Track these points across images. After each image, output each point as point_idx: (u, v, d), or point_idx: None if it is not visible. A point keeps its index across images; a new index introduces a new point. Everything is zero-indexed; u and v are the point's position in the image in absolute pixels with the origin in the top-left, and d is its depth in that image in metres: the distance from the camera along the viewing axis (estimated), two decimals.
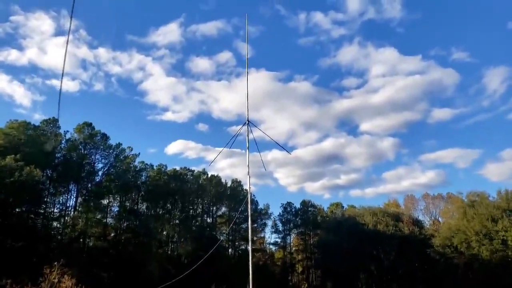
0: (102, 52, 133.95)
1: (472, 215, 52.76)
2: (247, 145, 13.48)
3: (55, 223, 51.28)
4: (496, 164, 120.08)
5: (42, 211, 47.38)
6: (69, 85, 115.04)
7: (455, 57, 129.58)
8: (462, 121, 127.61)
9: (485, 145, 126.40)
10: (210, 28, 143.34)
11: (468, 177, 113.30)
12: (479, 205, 53.89)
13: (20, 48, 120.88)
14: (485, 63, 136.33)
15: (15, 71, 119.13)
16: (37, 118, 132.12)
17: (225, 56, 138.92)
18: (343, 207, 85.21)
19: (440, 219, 70.08)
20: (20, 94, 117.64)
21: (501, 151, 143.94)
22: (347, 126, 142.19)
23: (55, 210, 53.20)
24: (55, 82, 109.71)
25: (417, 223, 67.23)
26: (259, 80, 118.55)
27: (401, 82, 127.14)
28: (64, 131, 55.08)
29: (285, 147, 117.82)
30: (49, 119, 53.77)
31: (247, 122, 13.92)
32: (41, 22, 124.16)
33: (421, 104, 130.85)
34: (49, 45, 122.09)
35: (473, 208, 53.89)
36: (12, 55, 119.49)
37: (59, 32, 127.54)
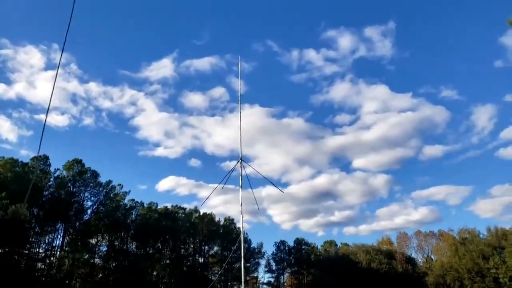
0: (93, 87, 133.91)
1: (464, 253, 52.67)
2: (240, 184, 13.70)
3: (39, 264, 49.63)
4: (486, 201, 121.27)
5: (27, 252, 45.97)
6: (58, 120, 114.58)
7: (444, 95, 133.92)
8: (454, 158, 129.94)
9: (475, 181, 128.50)
10: (203, 63, 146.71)
11: (460, 213, 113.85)
12: (470, 243, 53.98)
13: (8, 82, 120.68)
14: (473, 101, 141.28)
15: (1, 106, 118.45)
16: (23, 153, 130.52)
17: (218, 91, 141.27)
18: (336, 245, 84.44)
19: (432, 256, 69.67)
20: (6, 128, 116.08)
21: (491, 188, 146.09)
22: (340, 162, 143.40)
23: (40, 251, 51.73)
24: (43, 117, 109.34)
25: (410, 261, 66.66)
26: (252, 115, 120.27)
27: (393, 118, 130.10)
28: (55, 169, 54.62)
29: (278, 184, 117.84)
30: (40, 156, 53.38)
31: (240, 160, 14.23)
32: (30, 56, 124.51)
33: (413, 140, 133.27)
34: (38, 79, 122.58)
35: (465, 246, 53.91)
36: None
37: (49, 66, 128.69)
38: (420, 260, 70.32)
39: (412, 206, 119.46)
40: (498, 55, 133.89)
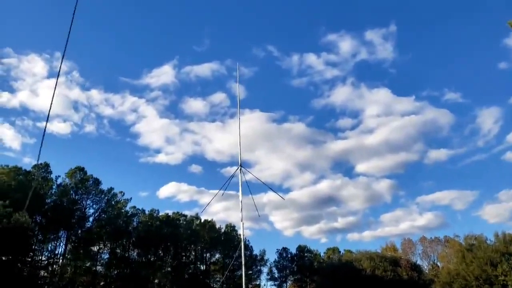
0: (95, 94, 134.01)
1: (471, 259, 51.75)
2: (240, 191, 13.42)
3: (42, 272, 49.41)
4: (493, 205, 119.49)
5: (30, 260, 45.76)
6: (60, 127, 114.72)
7: (447, 98, 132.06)
8: (459, 162, 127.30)
9: (482, 186, 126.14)
10: (204, 69, 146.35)
11: (466, 219, 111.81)
12: (477, 249, 53.05)
13: (12, 91, 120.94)
14: (477, 104, 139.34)
15: (5, 114, 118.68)
16: (26, 161, 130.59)
17: (219, 97, 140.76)
18: (340, 251, 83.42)
19: (438, 263, 68.76)
20: (10, 136, 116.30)
21: (498, 192, 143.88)
22: (343, 167, 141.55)
23: (43, 258, 51.54)
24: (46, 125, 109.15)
25: (416, 268, 65.69)
26: (253, 120, 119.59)
27: (396, 122, 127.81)
28: (56, 176, 54.54)
29: (280, 190, 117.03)
30: (41, 164, 53.37)
31: (239, 167, 13.96)
32: (33, 64, 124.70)
33: (417, 144, 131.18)
34: (41, 87, 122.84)
35: (472, 252, 52.97)
36: (3, 98, 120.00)
37: (51, 74, 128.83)
38: (426, 267, 69.45)
39: (417, 211, 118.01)
40: (502, 57, 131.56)
